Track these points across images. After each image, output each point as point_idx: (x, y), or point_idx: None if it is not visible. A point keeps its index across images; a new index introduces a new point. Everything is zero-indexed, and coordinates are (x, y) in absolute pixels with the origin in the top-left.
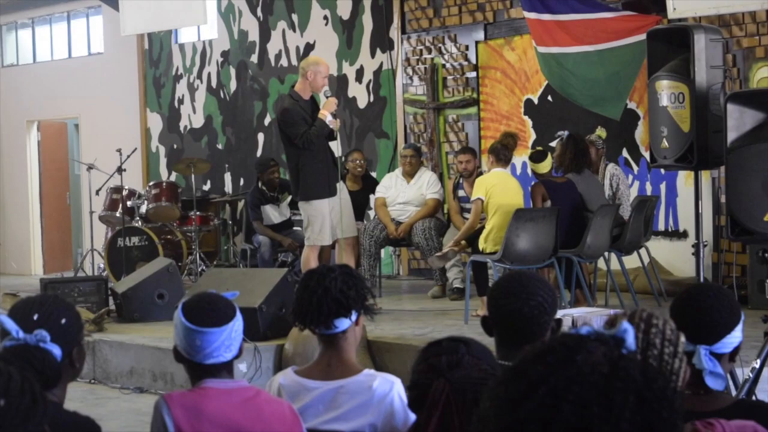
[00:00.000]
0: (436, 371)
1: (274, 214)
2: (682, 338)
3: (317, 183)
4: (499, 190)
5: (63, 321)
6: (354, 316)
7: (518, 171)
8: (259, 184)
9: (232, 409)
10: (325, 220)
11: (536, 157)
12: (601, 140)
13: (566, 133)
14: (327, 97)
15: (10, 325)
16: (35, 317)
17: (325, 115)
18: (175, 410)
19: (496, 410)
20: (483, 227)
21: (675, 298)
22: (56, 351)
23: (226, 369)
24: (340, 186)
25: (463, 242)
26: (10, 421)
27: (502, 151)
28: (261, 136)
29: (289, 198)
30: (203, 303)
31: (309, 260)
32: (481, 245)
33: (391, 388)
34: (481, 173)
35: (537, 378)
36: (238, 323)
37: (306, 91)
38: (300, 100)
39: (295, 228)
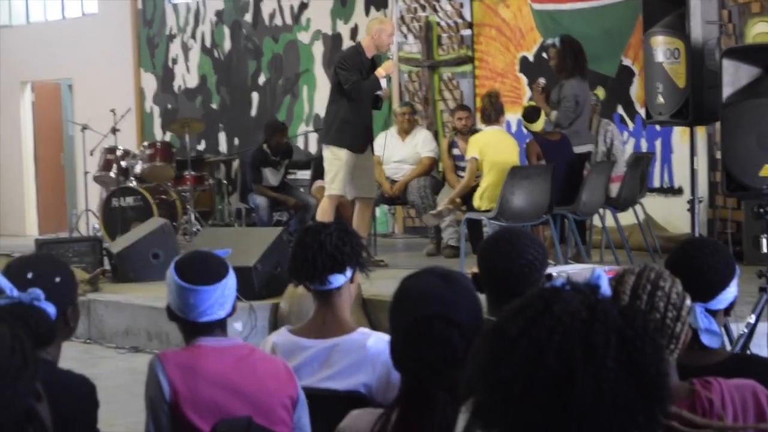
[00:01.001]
0: (428, 368)
1: (272, 177)
2: (687, 301)
3: (349, 134)
4: (494, 148)
5: (57, 280)
6: (349, 273)
7: (513, 129)
8: (264, 146)
9: (227, 367)
10: (342, 170)
11: (529, 116)
12: (596, 98)
13: (557, 38)
14: (388, 58)
15: (4, 283)
16: (29, 276)
17: (381, 74)
18: (169, 369)
19: (480, 371)
20: (478, 185)
21: (670, 254)
22: (50, 310)
23: (219, 327)
24: (368, 153)
25: (458, 200)
26: (0, 380)
27: (485, 113)
28: (255, 96)
29: (287, 162)
30: (196, 261)
31: (324, 211)
32: (476, 203)
33: (385, 347)
34: (476, 131)
35: (517, 333)
36: (231, 281)
37: (370, 49)
38: (362, 54)
39: (293, 189)
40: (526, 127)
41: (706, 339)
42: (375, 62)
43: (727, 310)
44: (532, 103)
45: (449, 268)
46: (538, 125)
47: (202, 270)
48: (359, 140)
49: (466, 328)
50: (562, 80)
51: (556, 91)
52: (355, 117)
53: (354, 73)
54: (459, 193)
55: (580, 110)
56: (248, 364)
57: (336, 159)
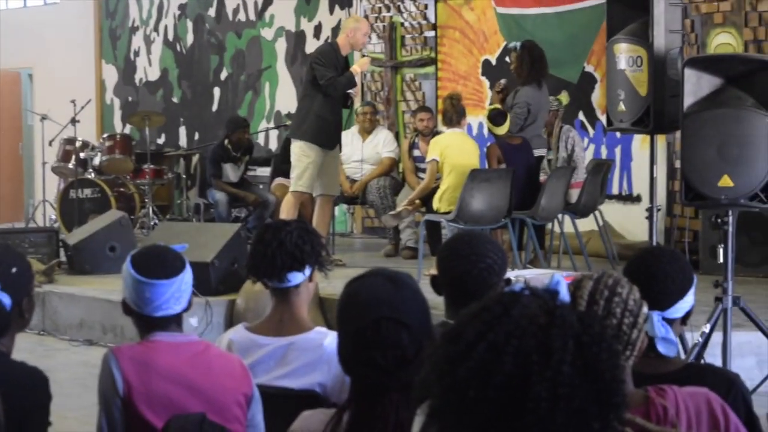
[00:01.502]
0: (379, 370)
1: (232, 173)
2: (644, 309)
3: (320, 130)
4: (455, 150)
5: (13, 270)
6: (308, 271)
7: (474, 131)
8: (225, 142)
9: (182, 363)
10: (310, 167)
11: (495, 119)
12: (558, 102)
13: (519, 43)
14: (363, 56)
15: None
16: None
17: (357, 71)
18: (123, 363)
19: (437, 373)
20: (438, 187)
21: (628, 261)
22: (5, 300)
23: (175, 322)
24: (336, 150)
25: (417, 202)
26: None
27: (446, 115)
28: (217, 91)
29: (248, 158)
30: (152, 255)
31: (288, 206)
32: (435, 205)
33: None
34: (437, 133)
35: (474, 336)
36: (187, 275)
37: (345, 47)
38: (337, 52)
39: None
40: (490, 130)
41: (662, 347)
42: (348, 61)
43: (684, 319)
44: (497, 105)
45: (396, 270)
46: (503, 129)
47: (158, 264)
48: (331, 137)
49: (414, 330)
50: (518, 86)
51: (511, 96)
52: (329, 113)
53: (330, 69)
54: (418, 195)
55: (533, 118)
56: (203, 360)
57: (305, 156)
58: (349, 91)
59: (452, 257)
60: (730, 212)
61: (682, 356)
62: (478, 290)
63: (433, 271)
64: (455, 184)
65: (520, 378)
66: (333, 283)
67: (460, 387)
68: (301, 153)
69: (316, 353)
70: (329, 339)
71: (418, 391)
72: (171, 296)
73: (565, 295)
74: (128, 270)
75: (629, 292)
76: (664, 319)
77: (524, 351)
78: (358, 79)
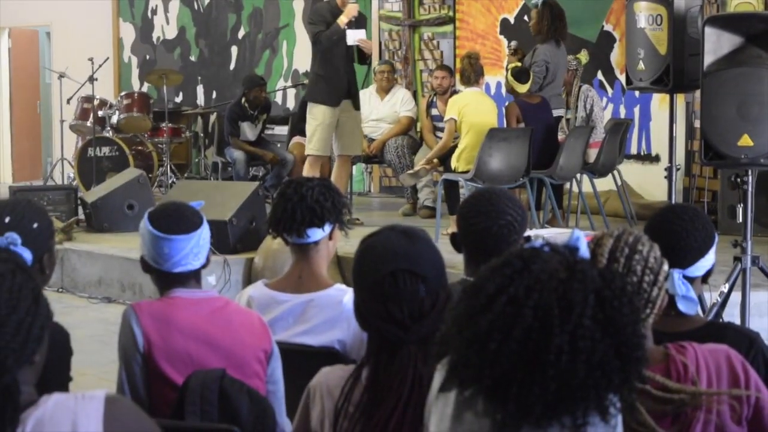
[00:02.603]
0: (396, 324)
1: (250, 131)
2: (665, 266)
3: (321, 88)
4: (473, 109)
5: (35, 225)
6: (327, 228)
7: (492, 91)
8: (242, 101)
9: (201, 319)
10: (319, 129)
11: (518, 77)
12: (576, 62)
13: (540, 0)
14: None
15: None
16: (6, 220)
17: (343, 20)
18: (143, 319)
19: (457, 327)
20: (456, 146)
21: (649, 219)
22: (27, 255)
23: (194, 278)
24: (348, 107)
25: (435, 161)
26: (15, 323)
27: (464, 74)
28: (234, 50)
29: (265, 117)
30: (170, 211)
31: (306, 171)
32: (453, 164)
33: None
34: (455, 92)
35: (495, 290)
36: (205, 231)
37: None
38: (333, 5)
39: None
40: (512, 88)
41: (682, 305)
42: (359, 19)
43: (704, 278)
44: (518, 64)
45: (414, 226)
46: (525, 87)
47: (176, 220)
48: (333, 94)
49: (431, 282)
50: (537, 44)
51: (529, 55)
52: (327, 70)
53: (317, 24)
54: (436, 154)
55: (552, 77)
56: (223, 316)
57: (312, 118)
58: (360, 45)
59: (473, 214)
60: (749, 172)
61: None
62: (498, 247)
63: (452, 230)
64: (473, 144)
65: (540, 331)
66: (351, 242)
67: (481, 339)
68: (309, 116)
69: (335, 310)
70: (348, 296)
71: (438, 346)
72: (189, 251)
73: (585, 251)
74: (146, 226)
75: (650, 249)
76: (684, 277)
77: (544, 304)
78: (358, 39)
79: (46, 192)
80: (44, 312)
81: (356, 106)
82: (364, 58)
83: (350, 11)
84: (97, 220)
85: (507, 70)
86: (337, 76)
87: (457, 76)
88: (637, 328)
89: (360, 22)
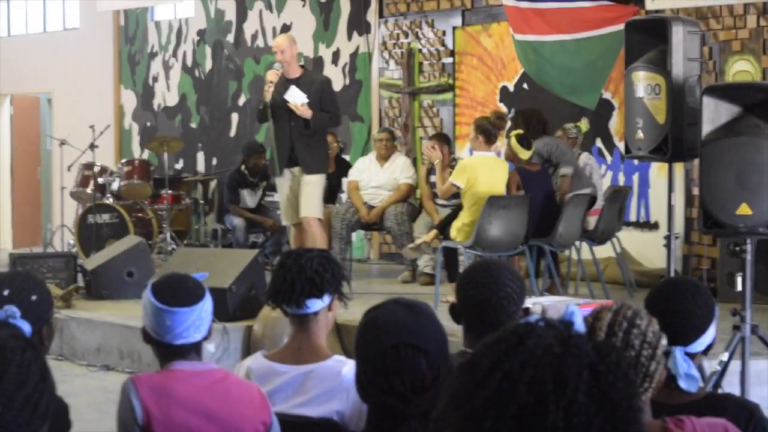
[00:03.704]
0: (397, 397)
1: (250, 198)
2: (663, 341)
3: (272, 160)
4: (483, 179)
5: (33, 298)
6: (327, 299)
7: None
8: (242, 168)
9: (201, 392)
10: (281, 198)
11: (521, 143)
12: (576, 129)
13: (512, 111)
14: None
15: None
16: (6, 293)
17: (266, 91)
18: (142, 392)
19: (453, 403)
20: (456, 214)
21: (650, 293)
22: (26, 327)
23: (194, 350)
24: (287, 174)
25: (435, 232)
26: (22, 400)
27: (493, 131)
28: (235, 116)
29: (265, 184)
30: (173, 283)
31: (293, 239)
32: (452, 235)
33: None
34: (454, 160)
35: (490, 366)
36: (207, 304)
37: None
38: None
39: (270, 211)
40: (514, 154)
41: (684, 383)
42: (287, 82)
43: (705, 351)
44: (520, 131)
45: (417, 297)
46: (527, 153)
47: (179, 292)
48: (277, 163)
49: (432, 356)
50: (533, 146)
51: (537, 157)
52: (275, 141)
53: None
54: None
55: (556, 159)
56: (222, 388)
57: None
58: (290, 106)
59: (471, 285)
60: (748, 240)
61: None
62: (497, 319)
63: (451, 298)
64: (474, 220)
65: (535, 407)
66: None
67: (476, 417)
68: None
69: (334, 381)
70: (348, 367)
71: (435, 422)
72: (191, 324)
73: (580, 325)
74: (149, 297)
75: (648, 324)
76: (686, 353)
77: (539, 380)
78: (292, 95)
79: (45, 259)
80: (51, 389)
81: (307, 171)
82: (264, 114)
83: (268, 78)
84: (96, 288)
85: (508, 137)
86: (282, 146)
87: (460, 143)
88: (633, 403)
89: (306, 84)
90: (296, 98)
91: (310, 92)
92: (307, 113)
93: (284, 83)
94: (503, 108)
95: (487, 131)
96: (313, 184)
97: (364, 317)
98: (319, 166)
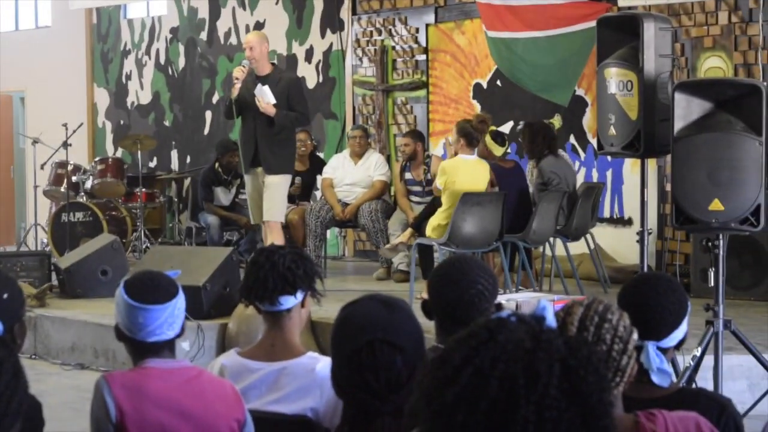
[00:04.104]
0: (372, 394)
1: (224, 196)
2: (635, 335)
3: (239, 157)
4: (462, 179)
5: (5, 296)
6: (300, 296)
7: None
8: (216, 165)
9: (175, 389)
10: (248, 196)
11: (500, 140)
12: (552, 126)
13: (521, 124)
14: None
15: None
16: None
17: (233, 89)
18: (116, 390)
19: (425, 399)
20: (430, 211)
21: (623, 287)
22: None
23: (168, 348)
24: (256, 173)
25: (409, 231)
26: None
27: (475, 135)
28: (209, 114)
29: (239, 181)
30: (146, 280)
31: (265, 238)
32: (428, 233)
33: None
34: (428, 157)
35: (461, 361)
36: (180, 301)
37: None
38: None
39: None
40: (490, 149)
41: (656, 378)
42: (254, 74)
43: (677, 346)
44: (494, 127)
45: (391, 294)
46: (501, 150)
47: (151, 289)
48: (243, 161)
49: (408, 353)
50: (536, 163)
51: (537, 171)
52: (240, 137)
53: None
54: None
55: (566, 183)
56: (196, 386)
57: None
58: (258, 101)
59: (443, 283)
60: (720, 236)
61: (674, 379)
62: (469, 315)
63: (425, 295)
64: (448, 218)
65: (506, 402)
66: (325, 307)
67: (448, 412)
68: None
69: (308, 378)
70: (321, 364)
71: (407, 417)
72: (164, 321)
73: (551, 320)
74: (121, 295)
75: (619, 318)
76: (658, 348)
77: (510, 375)
78: (260, 91)
79: (19, 258)
80: (23, 387)
81: (269, 171)
82: (229, 111)
83: (234, 74)
84: (70, 286)
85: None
86: (246, 145)
87: (434, 140)
88: (604, 397)
89: (273, 81)
90: (265, 96)
91: (277, 90)
92: (270, 110)
93: (254, 80)
94: (477, 106)
95: (469, 134)
96: (274, 187)
97: (340, 312)
98: (282, 166)
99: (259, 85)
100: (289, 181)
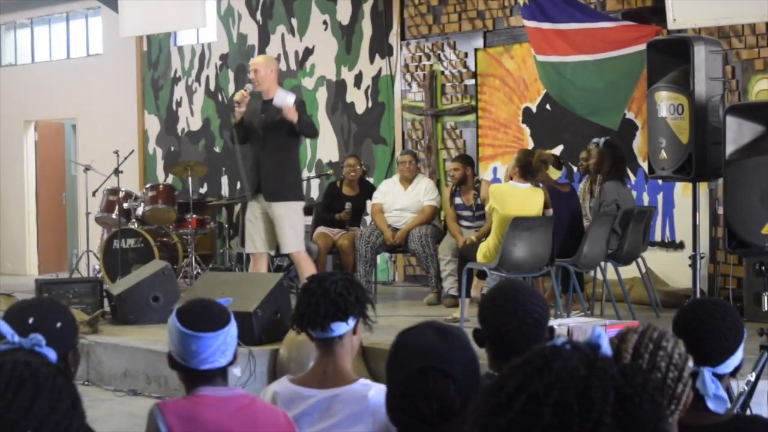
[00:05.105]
0: (424, 421)
1: None
2: (690, 363)
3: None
4: (515, 208)
5: (58, 325)
6: (351, 322)
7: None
8: None
9: (228, 417)
10: (246, 223)
11: (557, 164)
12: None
13: (603, 139)
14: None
15: (5, 328)
16: (30, 321)
17: (237, 113)
18: (169, 418)
19: (478, 426)
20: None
21: (678, 313)
22: (51, 355)
23: (221, 375)
24: (259, 201)
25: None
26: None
27: (531, 171)
28: None
29: None
30: (198, 308)
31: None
32: (478, 258)
33: None
34: (478, 181)
35: (515, 388)
36: (232, 328)
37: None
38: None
39: None
40: (546, 173)
41: (712, 404)
42: (261, 96)
43: (733, 374)
44: (550, 151)
45: (446, 322)
46: (558, 173)
47: (204, 317)
48: (249, 187)
49: (461, 383)
50: (600, 180)
51: (597, 194)
52: (246, 164)
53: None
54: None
55: (622, 212)
56: (248, 414)
57: None
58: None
59: (498, 313)
60: None
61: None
62: (525, 344)
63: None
64: (497, 245)
65: (560, 429)
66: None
67: None
68: None
69: (360, 405)
70: (373, 391)
71: None
72: (217, 349)
73: (606, 348)
74: (174, 323)
75: (674, 345)
76: (714, 374)
77: (564, 402)
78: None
79: (71, 285)
80: (81, 417)
81: (270, 199)
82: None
83: (235, 99)
84: (122, 313)
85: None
86: (252, 170)
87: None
88: (660, 425)
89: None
90: (285, 101)
91: (278, 110)
92: (293, 114)
93: (261, 104)
94: (527, 130)
95: (526, 168)
96: (279, 219)
97: (396, 339)
98: (284, 194)
99: (279, 90)
100: (296, 208)
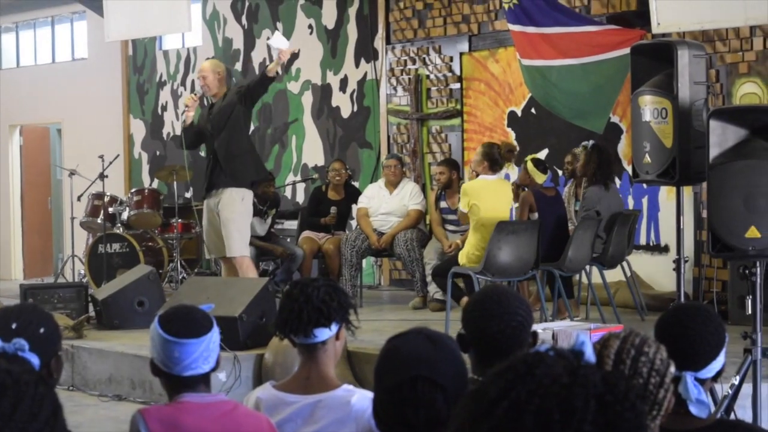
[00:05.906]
0: (411, 429)
1: (259, 226)
2: (672, 368)
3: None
4: (485, 201)
5: (41, 330)
6: (334, 328)
7: None
8: None
9: (210, 423)
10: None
11: (542, 167)
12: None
13: (591, 142)
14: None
15: None
16: (13, 326)
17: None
18: (152, 425)
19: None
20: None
21: (660, 318)
22: (34, 360)
23: (203, 382)
24: (211, 202)
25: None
26: None
27: (500, 161)
28: None
29: (274, 211)
30: (180, 314)
31: (224, 273)
32: (461, 261)
33: (369, 405)
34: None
35: (497, 394)
36: (215, 335)
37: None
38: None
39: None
40: (532, 175)
41: (694, 409)
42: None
43: (715, 378)
44: (534, 155)
45: (435, 329)
46: (542, 177)
47: (186, 323)
48: (204, 185)
49: (450, 392)
50: (584, 184)
51: (582, 198)
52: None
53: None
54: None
55: (601, 218)
56: (231, 420)
57: None
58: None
59: (483, 317)
60: (757, 263)
61: (712, 408)
62: (509, 348)
63: (460, 330)
64: (480, 243)
65: None
66: (362, 338)
67: None
68: None
69: (343, 411)
70: (357, 396)
71: None
72: (199, 355)
73: (590, 355)
74: (156, 330)
75: (656, 351)
76: (696, 379)
77: (546, 410)
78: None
79: (56, 289)
80: (61, 425)
81: (224, 185)
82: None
83: (184, 103)
84: (107, 317)
85: (525, 161)
86: (206, 168)
87: (468, 167)
88: None
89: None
90: (279, 44)
91: (224, 102)
92: (285, 57)
93: (209, 106)
94: (512, 134)
95: (494, 160)
96: (231, 222)
97: (386, 344)
98: (236, 179)
99: (276, 33)
100: (242, 209)
